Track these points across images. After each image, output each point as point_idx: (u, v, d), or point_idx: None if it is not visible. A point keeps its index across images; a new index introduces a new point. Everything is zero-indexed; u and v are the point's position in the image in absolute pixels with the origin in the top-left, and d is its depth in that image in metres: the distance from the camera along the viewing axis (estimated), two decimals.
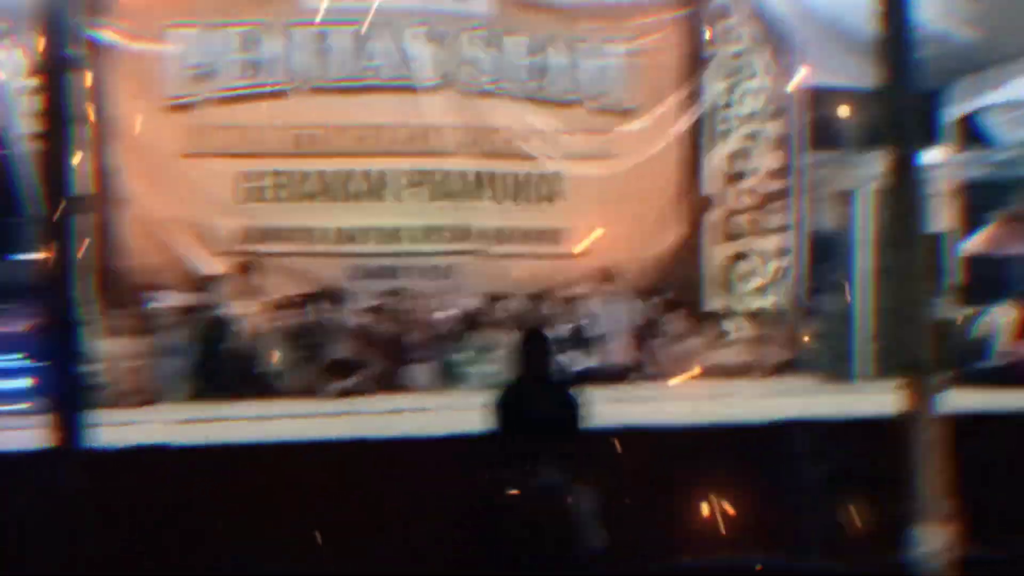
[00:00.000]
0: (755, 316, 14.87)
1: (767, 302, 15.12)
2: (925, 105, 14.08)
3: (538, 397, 8.14)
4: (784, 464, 9.66)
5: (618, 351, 14.10)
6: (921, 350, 6.17)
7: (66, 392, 5.87)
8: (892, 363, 12.69)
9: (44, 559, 6.22)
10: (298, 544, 9.34)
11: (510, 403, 8.26)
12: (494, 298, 14.32)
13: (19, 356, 11.79)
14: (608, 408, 9.00)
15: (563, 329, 13.69)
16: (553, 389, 8.42)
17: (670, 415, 10.66)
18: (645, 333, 14.39)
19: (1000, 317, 13.34)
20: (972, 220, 15.76)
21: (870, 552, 8.80)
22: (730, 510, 9.65)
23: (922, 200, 6.34)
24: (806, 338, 14.43)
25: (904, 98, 6.18)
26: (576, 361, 13.33)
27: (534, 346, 8.59)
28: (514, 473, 7.97)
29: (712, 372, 13.90)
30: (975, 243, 15.23)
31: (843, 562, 9.31)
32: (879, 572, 7.53)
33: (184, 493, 9.16)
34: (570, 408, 8.22)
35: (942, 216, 15.44)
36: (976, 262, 15.42)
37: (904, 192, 6.17)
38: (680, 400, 12.09)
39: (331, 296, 13.87)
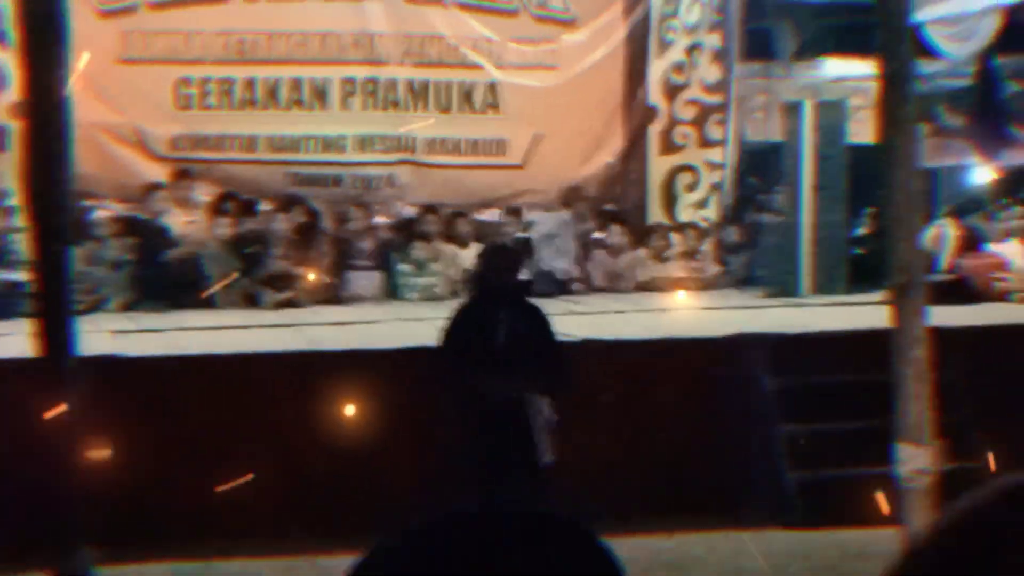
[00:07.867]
0: (696, 229, 14.79)
1: (708, 215, 15.06)
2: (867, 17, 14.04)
3: (501, 315, 7.98)
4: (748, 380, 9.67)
5: (560, 263, 14.02)
6: (913, 268, 6.11)
7: (58, 302, 5.70)
8: (828, 278, 12.81)
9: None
10: (250, 454, 9.27)
11: (470, 322, 8.10)
12: (434, 209, 14.17)
13: None
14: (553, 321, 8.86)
15: (505, 240, 13.57)
16: (516, 306, 8.24)
17: (614, 329, 10.63)
18: (588, 245, 14.32)
19: (948, 230, 13.36)
20: None
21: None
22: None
23: (912, 118, 6.24)
24: (745, 253, 14.41)
25: (899, 11, 6.08)
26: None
27: (499, 261, 8.43)
28: (476, 386, 7.89)
29: (653, 285, 13.87)
30: None
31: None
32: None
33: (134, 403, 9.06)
34: (537, 325, 8.09)
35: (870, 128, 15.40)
36: None
37: (897, 108, 6.08)
38: (626, 312, 12.04)
39: (270, 205, 13.67)
